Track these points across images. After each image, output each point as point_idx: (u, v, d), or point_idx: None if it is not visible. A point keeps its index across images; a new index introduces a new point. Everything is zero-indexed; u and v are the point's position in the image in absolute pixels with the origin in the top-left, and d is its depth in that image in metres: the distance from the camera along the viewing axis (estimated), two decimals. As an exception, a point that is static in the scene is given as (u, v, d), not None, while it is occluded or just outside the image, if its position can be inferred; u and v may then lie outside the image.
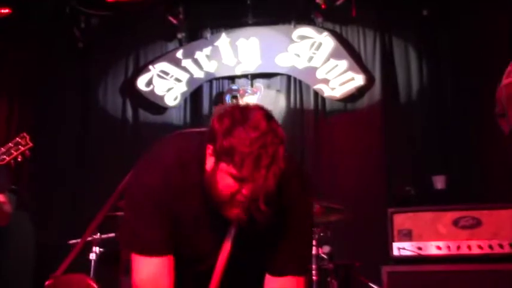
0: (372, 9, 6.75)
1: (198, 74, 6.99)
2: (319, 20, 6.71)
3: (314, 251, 4.47)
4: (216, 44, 6.97)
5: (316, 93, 6.73)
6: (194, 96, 7.07)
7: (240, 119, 1.91)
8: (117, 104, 7.20)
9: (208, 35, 7.05)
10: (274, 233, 2.15)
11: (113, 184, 2.77)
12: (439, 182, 5.79)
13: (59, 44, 7.12)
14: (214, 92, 7.00)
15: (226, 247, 2.12)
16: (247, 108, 1.98)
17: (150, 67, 7.09)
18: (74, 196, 6.84)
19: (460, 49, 6.32)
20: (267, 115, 1.96)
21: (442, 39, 6.52)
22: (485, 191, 5.62)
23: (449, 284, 4.12)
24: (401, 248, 4.41)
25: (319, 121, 6.71)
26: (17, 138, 3.48)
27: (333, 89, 6.63)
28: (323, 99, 6.71)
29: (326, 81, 6.65)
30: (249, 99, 6.70)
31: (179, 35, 7.03)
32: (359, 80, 6.56)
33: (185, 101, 7.06)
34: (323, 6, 6.50)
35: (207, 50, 6.98)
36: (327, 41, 6.69)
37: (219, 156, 1.93)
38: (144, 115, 7.14)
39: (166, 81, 7.03)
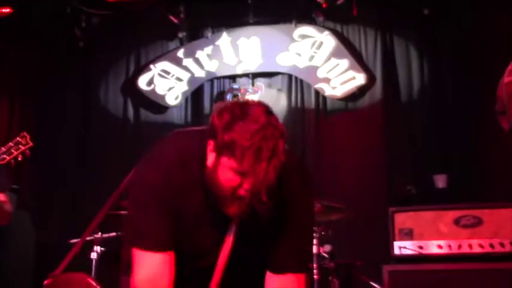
0: (372, 8, 6.75)
1: (199, 73, 6.99)
2: (320, 19, 6.70)
3: (315, 250, 4.47)
4: (217, 43, 6.97)
5: (317, 92, 6.73)
6: (195, 95, 7.07)
7: (239, 114, 1.93)
8: (118, 103, 7.21)
9: (209, 34, 7.05)
10: (275, 228, 2.16)
11: (113, 184, 2.77)
12: (440, 181, 5.78)
13: (60, 44, 7.12)
14: (215, 91, 7.00)
15: (228, 243, 2.13)
16: (246, 104, 2.00)
17: (151, 66, 7.10)
18: (74, 196, 6.84)
19: (461, 48, 6.32)
20: (267, 110, 1.97)
21: (442, 38, 6.52)
22: (486, 189, 5.62)
23: (451, 283, 4.12)
24: (403, 247, 4.41)
25: (320, 120, 6.71)
26: (18, 138, 3.48)
27: (334, 88, 6.63)
28: (324, 98, 6.71)
29: (327, 80, 6.65)
30: (250, 98, 6.69)
31: (180, 34, 7.03)
32: (360, 79, 6.56)
33: (186, 100, 7.06)
34: (324, 6, 6.50)
35: (208, 49, 6.98)
36: (328, 40, 6.69)
37: (220, 151, 1.94)
38: (145, 114, 7.14)
39: (168, 81, 7.03)
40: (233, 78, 7.00)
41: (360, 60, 6.65)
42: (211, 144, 2.00)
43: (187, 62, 7.00)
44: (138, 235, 2.12)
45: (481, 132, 5.80)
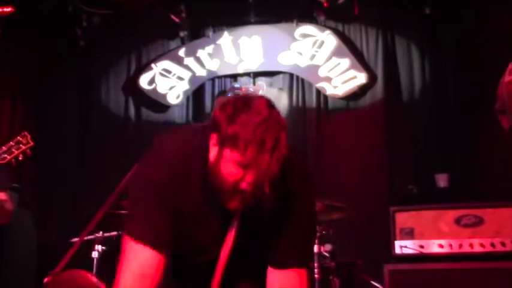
0: (374, 7, 6.75)
1: (201, 72, 7.00)
2: (322, 18, 6.70)
3: (316, 249, 4.47)
4: (218, 42, 6.97)
5: (318, 92, 6.73)
6: (196, 94, 7.07)
7: (242, 107, 1.93)
8: (119, 102, 7.21)
9: (210, 33, 7.06)
10: (277, 223, 2.16)
11: (114, 183, 2.78)
12: (442, 180, 5.78)
13: (60, 43, 7.12)
14: (216, 90, 7.00)
15: (230, 238, 2.13)
16: (249, 97, 2.01)
17: (153, 65, 7.10)
18: (74, 196, 6.84)
19: (462, 47, 6.31)
20: (269, 103, 1.98)
21: (443, 37, 6.52)
22: (488, 189, 5.61)
23: (451, 282, 4.11)
24: (404, 246, 4.40)
25: (321, 119, 6.71)
26: (18, 137, 3.49)
27: (335, 87, 6.63)
28: (325, 97, 6.71)
29: (328, 79, 6.65)
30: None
31: (181, 34, 7.03)
32: (361, 78, 6.56)
33: (187, 99, 7.07)
34: (325, 5, 6.51)
35: (209, 48, 6.98)
36: (329, 39, 6.69)
37: (222, 144, 1.94)
38: (147, 113, 7.15)
39: (169, 80, 7.04)
40: (234, 77, 7.00)
41: (361, 60, 6.65)
42: (213, 138, 2.00)
43: (189, 61, 7.00)
44: (136, 227, 2.10)
45: (482, 132, 5.80)
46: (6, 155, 3.41)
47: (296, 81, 6.83)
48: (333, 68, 6.64)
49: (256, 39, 6.88)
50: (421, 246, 4.37)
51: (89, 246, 4.81)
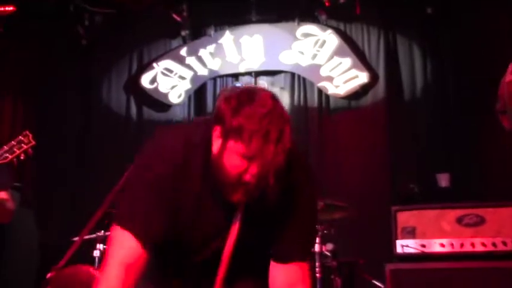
0: (375, 7, 6.75)
1: (202, 72, 7.00)
2: (323, 17, 6.71)
3: (318, 249, 4.47)
4: (219, 41, 6.97)
5: (320, 91, 6.73)
6: (198, 93, 7.08)
7: (247, 99, 1.92)
8: (121, 101, 7.22)
9: (212, 32, 7.06)
10: (281, 216, 2.15)
11: (114, 183, 2.76)
12: (443, 180, 5.78)
13: (61, 43, 7.13)
14: (218, 90, 7.00)
15: (234, 231, 2.11)
16: (253, 89, 2.01)
17: (154, 65, 7.11)
18: (74, 196, 6.83)
19: (462, 48, 6.31)
20: (273, 96, 1.98)
21: (443, 37, 6.52)
22: (488, 189, 5.61)
23: (453, 281, 4.11)
24: (405, 246, 4.40)
25: (323, 119, 6.71)
26: (20, 137, 3.49)
27: (337, 86, 6.63)
28: (327, 96, 6.71)
29: (330, 78, 6.65)
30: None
31: (183, 33, 7.04)
32: (363, 77, 6.56)
33: (189, 98, 7.08)
34: (327, 4, 6.52)
35: (211, 48, 6.99)
36: (331, 39, 6.69)
37: (226, 135, 1.93)
38: (148, 112, 7.15)
39: (170, 79, 7.04)
40: (236, 76, 7.01)
41: (363, 59, 6.64)
42: (217, 130, 1.98)
43: (190, 60, 7.01)
44: (126, 215, 2.07)
45: (482, 132, 5.79)
46: (7, 154, 3.42)
47: (298, 81, 6.83)
48: (334, 68, 6.64)
49: (257, 38, 6.88)
50: (423, 246, 4.37)
51: (91, 245, 4.82)
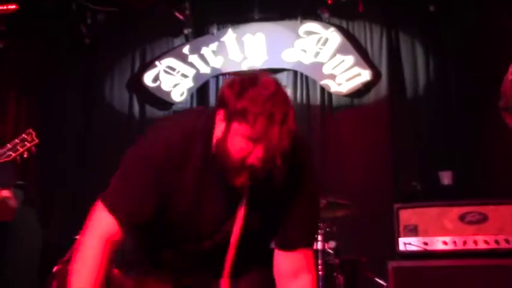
0: (378, 4, 6.73)
1: (205, 70, 7.00)
2: (326, 15, 6.70)
3: (320, 246, 4.48)
4: (222, 39, 6.97)
5: (322, 89, 6.72)
6: (201, 91, 7.08)
7: (250, 84, 1.93)
8: (123, 99, 7.22)
9: (214, 30, 7.06)
10: (286, 202, 2.15)
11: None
12: (446, 178, 5.77)
13: (64, 41, 7.12)
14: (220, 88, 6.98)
15: (240, 216, 2.10)
16: (256, 74, 2.01)
17: (157, 63, 7.11)
18: (76, 195, 6.82)
19: (464, 45, 6.30)
20: (276, 81, 1.99)
21: (446, 35, 6.51)
22: (491, 186, 5.60)
23: (455, 279, 4.12)
24: (408, 243, 4.41)
25: (325, 116, 6.71)
26: (23, 135, 3.50)
27: (339, 84, 6.62)
28: (329, 94, 6.71)
29: (332, 76, 6.64)
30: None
31: (185, 31, 7.03)
32: (365, 75, 6.55)
33: (192, 96, 7.08)
34: (329, 2, 6.50)
35: (214, 46, 6.98)
36: (334, 37, 6.68)
37: (230, 118, 1.93)
38: (151, 111, 7.15)
39: (173, 77, 7.04)
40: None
41: (365, 57, 6.63)
42: (220, 113, 1.98)
43: (193, 58, 7.01)
44: (112, 196, 2.13)
45: (485, 130, 5.79)
46: (11, 152, 3.42)
47: (300, 79, 6.82)
48: (337, 65, 6.63)
49: (260, 36, 6.88)
50: (425, 243, 4.38)
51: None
